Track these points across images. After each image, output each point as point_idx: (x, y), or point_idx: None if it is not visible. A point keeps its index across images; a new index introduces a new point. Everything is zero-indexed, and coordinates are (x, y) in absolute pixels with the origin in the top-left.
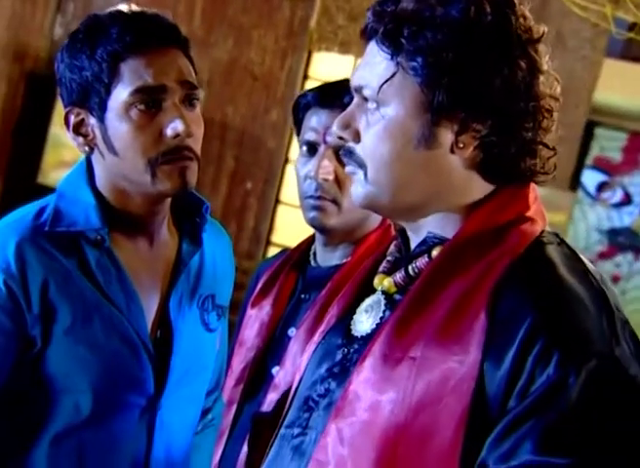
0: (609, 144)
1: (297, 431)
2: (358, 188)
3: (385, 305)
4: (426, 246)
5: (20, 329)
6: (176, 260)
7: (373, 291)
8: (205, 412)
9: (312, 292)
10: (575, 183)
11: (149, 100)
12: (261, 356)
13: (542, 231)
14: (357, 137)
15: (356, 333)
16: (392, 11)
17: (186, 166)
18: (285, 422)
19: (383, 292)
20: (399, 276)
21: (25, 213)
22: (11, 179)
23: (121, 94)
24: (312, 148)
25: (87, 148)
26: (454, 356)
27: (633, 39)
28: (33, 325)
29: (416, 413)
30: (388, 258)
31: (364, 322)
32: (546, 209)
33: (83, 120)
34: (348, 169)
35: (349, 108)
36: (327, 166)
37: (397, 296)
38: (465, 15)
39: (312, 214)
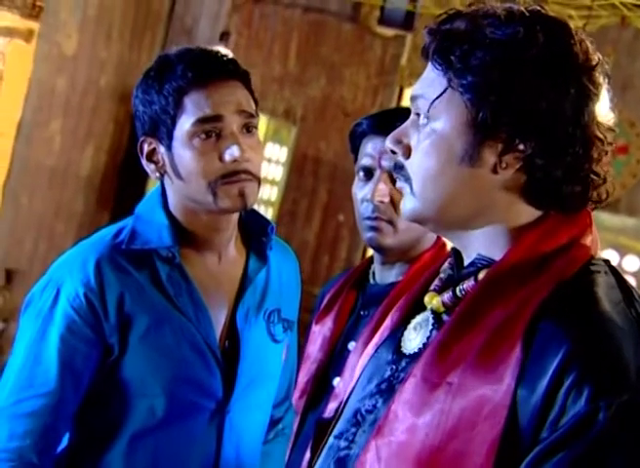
0: None
1: (343, 444)
2: (405, 202)
3: (433, 325)
4: (474, 268)
5: (100, 337)
6: (243, 276)
7: (424, 308)
8: (276, 422)
9: (371, 309)
10: None
11: (209, 129)
12: (324, 369)
13: (592, 258)
14: (408, 152)
15: (405, 351)
16: (446, 29)
17: (244, 186)
18: (334, 432)
19: (433, 311)
20: (447, 296)
21: (106, 233)
22: (118, 211)
23: (185, 124)
24: (369, 173)
25: (158, 174)
26: (489, 384)
27: None
28: (111, 333)
29: (450, 438)
30: (441, 276)
31: (412, 340)
32: (638, 239)
33: (154, 149)
34: (398, 184)
35: (403, 124)
36: (383, 189)
37: (445, 317)
38: (515, 37)
39: (370, 234)
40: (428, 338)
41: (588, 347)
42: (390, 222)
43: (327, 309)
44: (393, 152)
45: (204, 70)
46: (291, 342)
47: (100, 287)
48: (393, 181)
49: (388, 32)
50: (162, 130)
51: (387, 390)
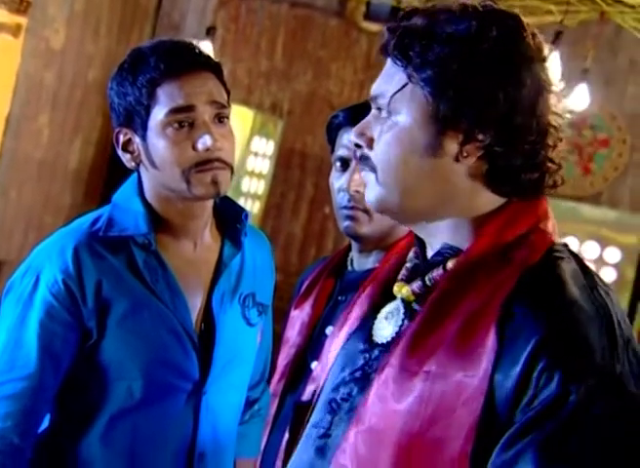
0: None
1: (321, 432)
2: (370, 190)
3: (404, 314)
4: (441, 257)
5: (79, 321)
6: (218, 262)
7: (393, 297)
8: (252, 403)
9: (348, 294)
10: None
11: (182, 119)
12: (302, 352)
13: (553, 244)
14: (371, 144)
15: (377, 340)
16: (404, 26)
17: (217, 173)
18: (311, 421)
19: (403, 301)
20: (416, 286)
21: (84, 221)
22: (106, 203)
23: (158, 114)
24: (345, 164)
25: (133, 164)
26: (466, 371)
27: None
28: (89, 318)
29: (429, 425)
30: (407, 266)
31: (384, 329)
32: (619, 231)
33: (130, 139)
34: (363, 173)
35: (366, 118)
36: (358, 179)
37: (416, 306)
38: (471, 31)
39: (346, 223)
40: (400, 327)
41: (558, 334)
42: (366, 211)
43: (305, 295)
44: (357, 145)
45: (176, 62)
46: (265, 326)
47: (78, 273)
48: None
49: (374, 27)
50: (136, 120)
51: (362, 379)
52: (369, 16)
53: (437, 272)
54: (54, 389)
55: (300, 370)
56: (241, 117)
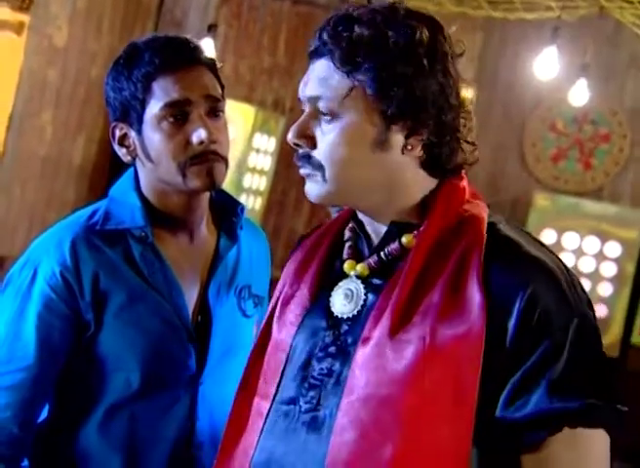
0: None
1: (306, 407)
2: (314, 188)
3: (366, 288)
4: (394, 233)
5: (76, 314)
6: (214, 254)
7: (337, 272)
8: None
9: None
10: None
11: (177, 113)
12: None
13: (489, 212)
14: (313, 143)
15: (341, 316)
16: (349, 36)
17: (212, 166)
18: (281, 398)
19: (358, 277)
20: (373, 261)
21: (81, 215)
22: None
23: (154, 108)
24: None
25: (130, 158)
26: (459, 328)
27: None
28: (87, 310)
29: (434, 384)
30: (348, 244)
31: (347, 305)
32: (620, 225)
33: (126, 134)
34: (304, 171)
35: (303, 119)
36: None
37: (376, 281)
38: (408, 38)
39: None
40: (365, 301)
41: (540, 289)
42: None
43: None
44: (297, 145)
45: (171, 57)
46: (261, 317)
47: (76, 265)
48: None
49: None
50: (132, 115)
51: (339, 353)
52: None
53: (393, 246)
54: (52, 380)
55: None
56: (243, 114)
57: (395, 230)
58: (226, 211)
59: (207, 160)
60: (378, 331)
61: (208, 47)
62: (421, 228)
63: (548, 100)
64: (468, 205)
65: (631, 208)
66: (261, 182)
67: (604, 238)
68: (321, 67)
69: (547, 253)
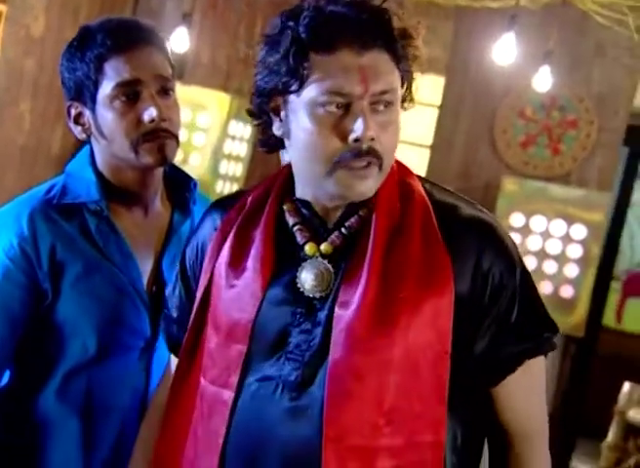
0: None
1: (289, 381)
2: (371, 182)
3: (334, 268)
4: (354, 207)
5: (34, 283)
6: (168, 228)
7: (293, 251)
8: None
9: None
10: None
11: (128, 92)
12: None
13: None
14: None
15: (314, 295)
16: (391, 26)
17: (164, 143)
18: (256, 376)
19: (323, 256)
20: (335, 237)
21: (39, 190)
22: None
23: (106, 88)
24: None
25: (85, 135)
26: (435, 287)
27: None
28: (44, 280)
29: (420, 340)
30: (299, 228)
31: (317, 285)
32: (585, 209)
33: (80, 112)
34: (369, 166)
35: (366, 117)
36: None
37: (340, 255)
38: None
39: None
40: (336, 276)
41: (491, 242)
42: None
43: None
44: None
45: (122, 38)
46: None
47: (34, 237)
48: None
49: None
50: (86, 94)
51: (315, 327)
52: None
53: (353, 220)
54: (11, 347)
55: None
56: (218, 101)
57: (356, 205)
58: (180, 186)
59: (158, 137)
60: (357, 295)
61: (182, 35)
62: (374, 198)
63: (517, 88)
64: (399, 174)
65: (598, 191)
66: (237, 169)
67: (570, 221)
68: (380, 60)
69: (481, 211)
